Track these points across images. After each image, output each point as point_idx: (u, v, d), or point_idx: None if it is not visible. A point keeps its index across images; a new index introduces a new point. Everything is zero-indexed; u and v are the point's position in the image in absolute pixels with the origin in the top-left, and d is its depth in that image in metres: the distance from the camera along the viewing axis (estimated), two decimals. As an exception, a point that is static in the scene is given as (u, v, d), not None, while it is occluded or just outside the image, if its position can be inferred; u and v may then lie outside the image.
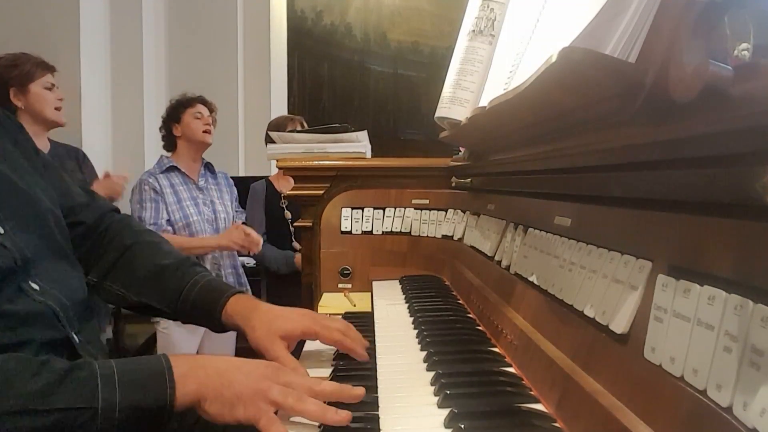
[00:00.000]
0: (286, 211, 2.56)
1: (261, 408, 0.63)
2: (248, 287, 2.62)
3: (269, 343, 0.82)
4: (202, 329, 2.24)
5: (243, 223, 2.58)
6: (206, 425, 0.88)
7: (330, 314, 1.11)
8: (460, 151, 1.49)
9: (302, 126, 2.69)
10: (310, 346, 0.94)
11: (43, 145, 2.30)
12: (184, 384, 0.64)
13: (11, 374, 0.59)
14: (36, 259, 0.79)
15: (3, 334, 0.70)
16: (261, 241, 2.46)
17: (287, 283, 2.44)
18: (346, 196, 1.54)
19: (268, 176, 2.78)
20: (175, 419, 0.65)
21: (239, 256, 2.64)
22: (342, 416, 0.63)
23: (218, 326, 0.91)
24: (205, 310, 0.90)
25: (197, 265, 0.97)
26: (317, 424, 0.64)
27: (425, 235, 1.48)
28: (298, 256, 2.47)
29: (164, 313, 0.94)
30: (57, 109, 2.27)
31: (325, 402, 0.66)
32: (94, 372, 0.62)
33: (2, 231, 0.76)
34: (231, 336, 2.44)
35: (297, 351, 0.89)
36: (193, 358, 0.68)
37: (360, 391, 0.67)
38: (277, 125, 2.67)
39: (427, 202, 1.50)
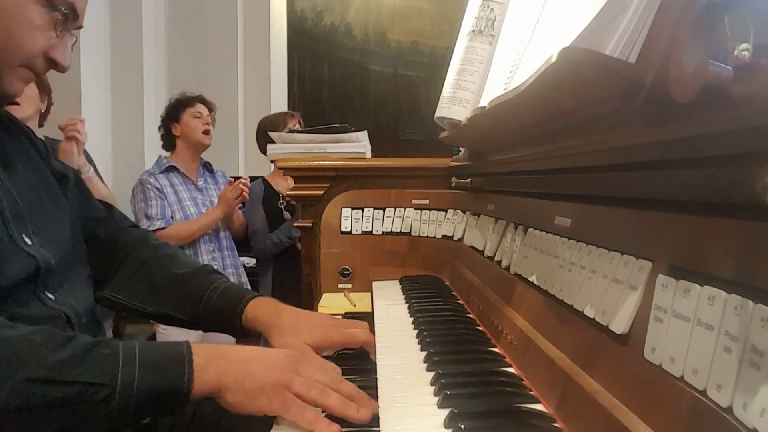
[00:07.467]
0: (284, 211, 2.54)
1: (287, 398, 0.64)
2: (248, 288, 2.60)
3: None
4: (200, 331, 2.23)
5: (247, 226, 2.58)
6: (198, 425, 0.89)
7: (331, 315, 1.10)
8: (460, 151, 1.49)
9: (300, 122, 2.67)
10: None
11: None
12: (204, 372, 0.64)
13: (37, 344, 0.60)
14: (57, 269, 0.80)
15: None
16: (246, 179, 2.44)
17: (289, 285, 2.41)
18: (346, 196, 1.54)
19: (263, 176, 2.67)
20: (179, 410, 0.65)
21: (239, 256, 2.64)
22: (362, 415, 0.64)
23: (239, 332, 0.90)
24: (225, 316, 0.89)
25: (215, 272, 0.96)
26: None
27: (425, 235, 1.48)
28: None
29: (184, 322, 0.93)
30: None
31: None
32: (117, 350, 0.62)
33: (30, 243, 0.78)
34: (231, 341, 2.43)
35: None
36: (214, 347, 0.68)
37: (367, 414, 0.65)
38: (273, 122, 2.62)
39: (427, 202, 1.50)
